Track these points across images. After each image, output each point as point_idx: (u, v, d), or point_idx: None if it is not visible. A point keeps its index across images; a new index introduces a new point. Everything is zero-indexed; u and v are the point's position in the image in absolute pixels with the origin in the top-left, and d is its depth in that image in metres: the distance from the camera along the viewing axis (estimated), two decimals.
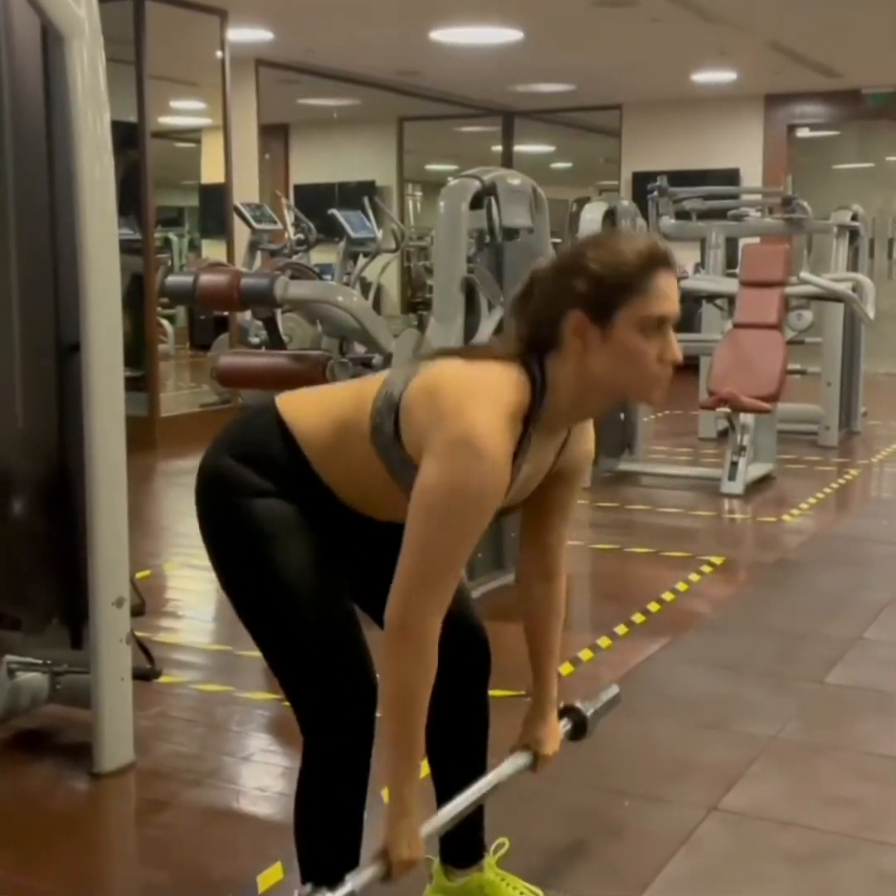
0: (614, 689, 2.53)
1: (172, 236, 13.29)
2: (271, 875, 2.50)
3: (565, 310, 1.82)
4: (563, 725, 2.35)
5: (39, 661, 3.19)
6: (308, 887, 1.86)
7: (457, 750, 2.26)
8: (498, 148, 14.27)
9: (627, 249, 1.82)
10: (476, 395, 1.80)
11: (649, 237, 1.88)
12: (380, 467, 1.91)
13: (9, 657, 3.17)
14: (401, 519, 1.86)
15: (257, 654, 3.96)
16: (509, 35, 9.14)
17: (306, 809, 2.01)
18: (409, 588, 1.80)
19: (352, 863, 2.02)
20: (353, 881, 1.86)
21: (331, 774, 1.99)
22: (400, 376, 1.91)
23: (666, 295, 1.82)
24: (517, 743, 2.27)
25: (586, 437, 2.07)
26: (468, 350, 1.94)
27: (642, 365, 1.83)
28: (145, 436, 7.10)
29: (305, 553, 1.96)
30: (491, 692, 3.33)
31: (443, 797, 2.26)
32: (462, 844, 2.28)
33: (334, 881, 2.00)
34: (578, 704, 2.40)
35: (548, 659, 2.24)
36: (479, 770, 2.27)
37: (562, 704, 2.34)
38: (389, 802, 1.88)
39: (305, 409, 2.01)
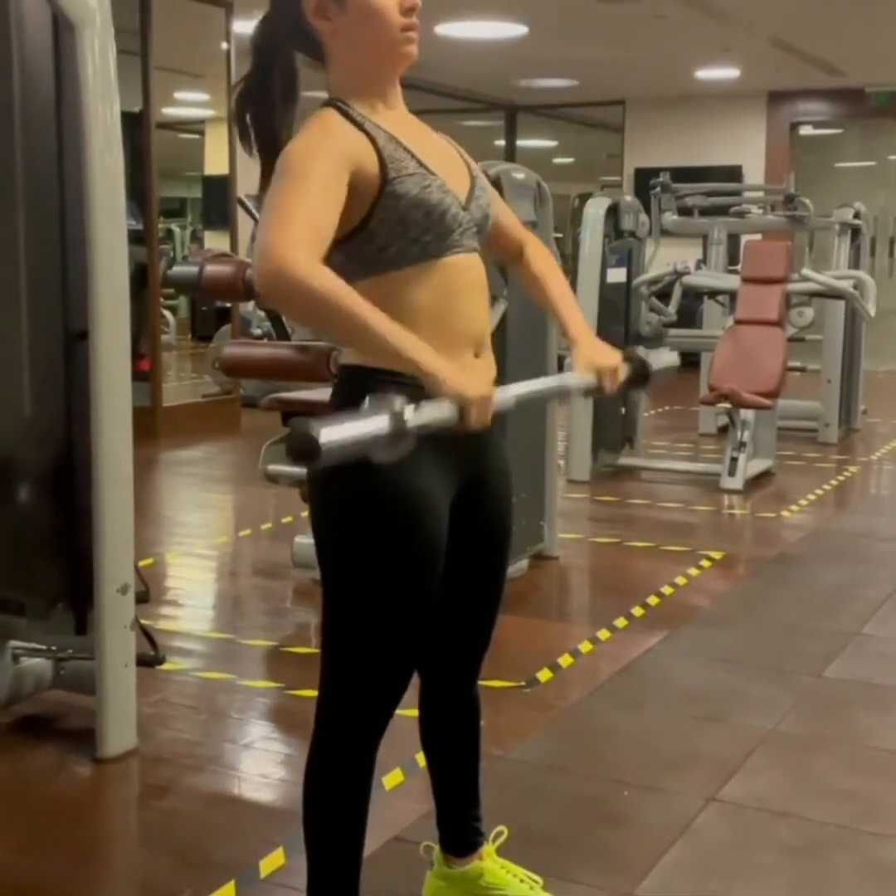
0: (675, 355, 2.32)
1: (174, 227, 13.31)
2: (273, 860, 2.52)
3: (298, 2, 1.86)
4: (624, 368, 2.11)
5: (44, 647, 3.21)
6: (380, 398, 1.62)
7: (450, 743, 2.27)
8: (501, 143, 14.27)
9: None
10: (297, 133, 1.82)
11: None
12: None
13: (13, 643, 3.19)
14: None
15: (259, 642, 4.03)
16: (513, 30, 9.15)
17: (315, 791, 2.01)
18: (267, 234, 1.67)
19: (358, 849, 2.04)
20: (430, 409, 1.68)
21: (339, 764, 2.00)
22: None
23: None
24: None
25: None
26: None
27: (385, 18, 1.85)
28: (148, 426, 7.11)
29: (416, 551, 1.89)
30: (491, 683, 3.37)
31: (440, 791, 2.29)
32: (462, 833, 2.30)
33: (344, 871, 2.02)
34: (639, 353, 2.19)
35: (559, 291, 2.17)
36: (474, 760, 2.28)
37: (624, 351, 2.16)
38: (425, 377, 1.70)
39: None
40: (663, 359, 2.26)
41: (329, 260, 1.73)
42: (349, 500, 1.87)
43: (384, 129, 1.86)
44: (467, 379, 1.72)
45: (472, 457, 1.97)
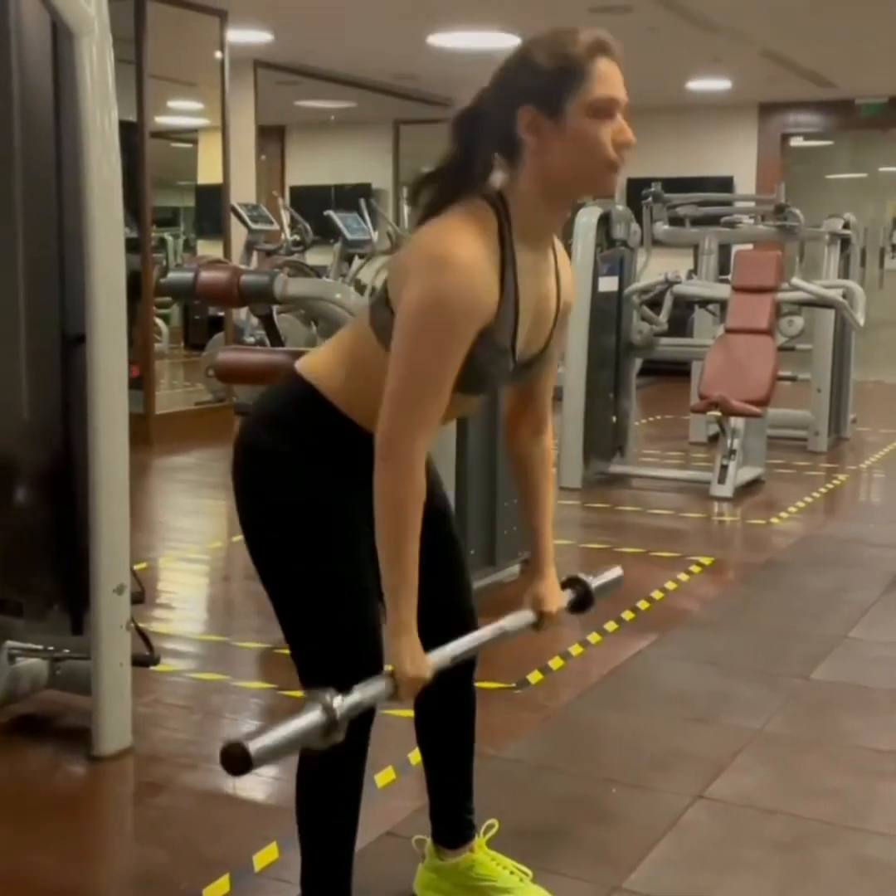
0: (618, 570, 2.44)
1: (167, 236, 13.33)
2: (267, 855, 2.56)
3: (515, 108, 1.85)
4: (567, 595, 2.28)
5: (40, 647, 3.25)
6: (315, 692, 1.77)
7: (446, 738, 2.31)
8: None
9: (570, 39, 1.87)
10: (443, 228, 1.84)
11: (592, 28, 1.92)
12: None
13: (10, 643, 3.23)
14: None
15: (252, 644, 4.06)
16: (506, 40, 9.19)
17: (307, 786, 2.06)
18: (394, 409, 1.81)
19: (350, 841, 2.08)
20: (360, 691, 1.81)
21: (330, 756, 2.03)
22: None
23: (611, 78, 1.87)
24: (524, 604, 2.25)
25: (571, 279, 2.09)
26: (431, 206, 1.91)
27: (598, 150, 1.85)
28: (141, 433, 7.13)
29: (338, 533, 1.99)
30: (482, 684, 3.40)
31: (434, 785, 2.33)
32: (454, 825, 2.34)
33: (336, 864, 2.07)
34: (583, 576, 2.32)
35: (542, 515, 2.25)
36: (467, 757, 2.32)
37: (565, 576, 2.30)
38: (389, 621, 1.88)
39: (317, 354, 2.06)
40: (606, 576, 2.38)
41: (376, 316, 1.89)
42: (263, 493, 2.00)
43: (517, 281, 1.88)
44: (414, 654, 1.87)
45: None
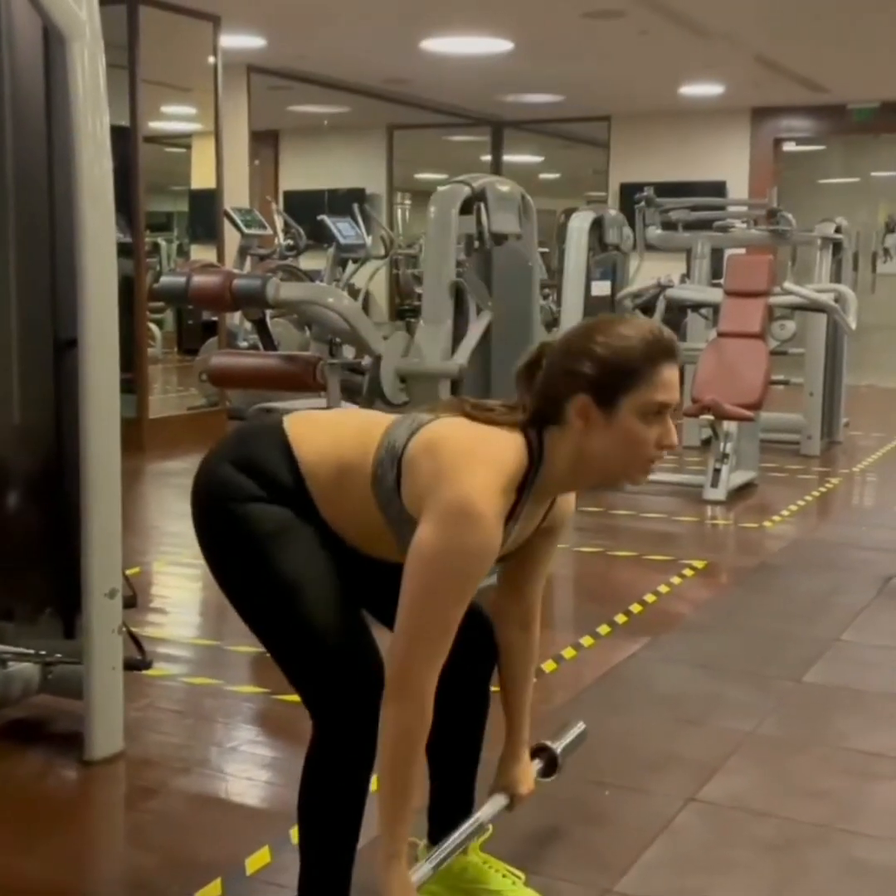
0: (581, 726, 2.62)
1: (161, 241, 13.33)
2: (259, 858, 2.55)
3: (572, 392, 1.89)
4: (535, 764, 2.44)
5: (31, 651, 3.24)
6: None
7: (455, 740, 2.31)
8: (487, 158, 14.36)
9: (635, 336, 1.88)
10: (475, 460, 1.86)
11: (656, 325, 1.95)
12: (378, 515, 1.97)
13: (1, 647, 3.22)
14: (392, 559, 1.95)
15: (244, 648, 4.05)
16: (499, 45, 9.22)
17: (314, 789, 2.05)
18: (406, 648, 1.87)
19: (353, 844, 2.08)
20: None
21: (337, 759, 2.03)
22: (404, 427, 1.97)
23: (670, 385, 1.89)
24: (494, 785, 2.35)
25: (568, 498, 2.15)
26: (474, 409, 1.97)
27: (641, 450, 1.90)
28: (134, 437, 7.14)
29: (303, 548, 2.01)
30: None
31: (437, 786, 2.32)
32: (448, 828, 2.33)
33: (337, 867, 2.06)
34: (548, 743, 2.48)
35: (521, 703, 2.33)
36: (474, 761, 2.33)
37: (533, 745, 2.44)
38: (382, 842, 1.94)
39: (312, 442, 2.04)
40: (568, 736, 2.56)
41: (381, 485, 1.94)
42: (225, 531, 2.07)
43: (517, 522, 1.94)
44: (404, 886, 1.94)
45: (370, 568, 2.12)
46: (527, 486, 1.91)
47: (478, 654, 2.24)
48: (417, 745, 1.89)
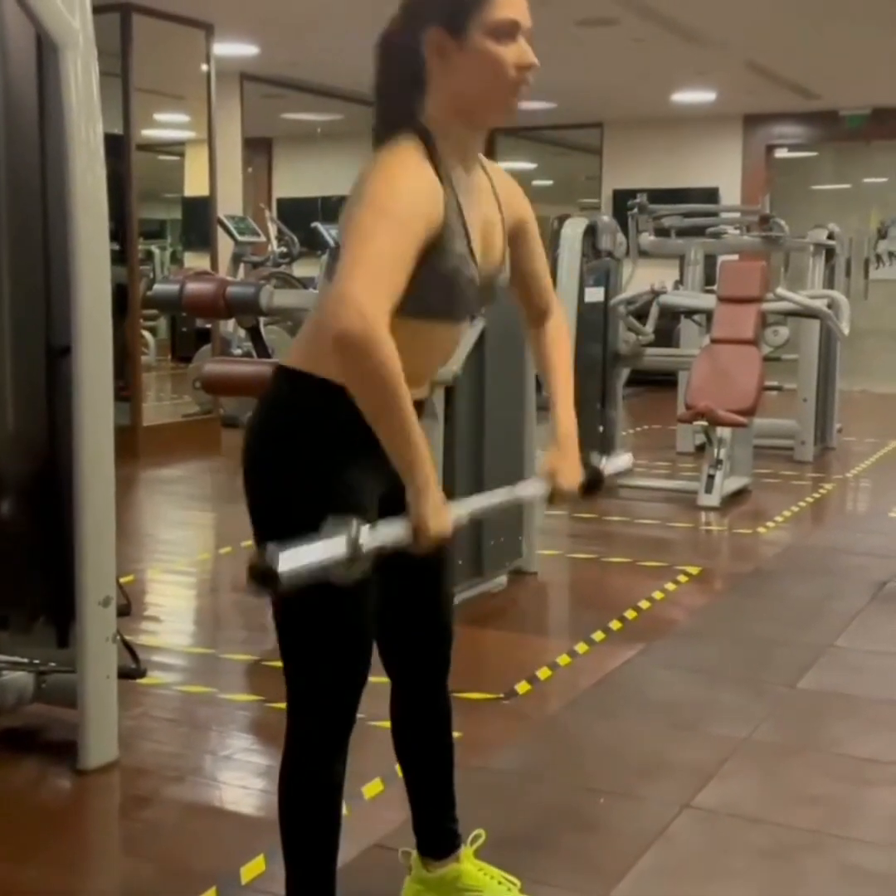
0: (629, 456, 2.45)
1: (154, 248, 13.33)
2: (253, 867, 2.55)
3: (423, 30, 1.89)
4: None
5: (25, 660, 3.23)
6: (339, 520, 1.72)
7: (423, 748, 2.31)
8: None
9: None
10: (383, 154, 1.88)
11: None
12: None
13: None
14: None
15: (239, 656, 4.06)
16: None
17: (288, 795, 2.05)
18: (352, 289, 1.72)
19: (332, 854, 2.08)
20: (384, 530, 1.78)
21: (312, 767, 2.04)
22: None
23: (515, 3, 1.91)
24: (539, 472, 2.20)
25: (517, 193, 2.12)
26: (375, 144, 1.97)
27: (500, 71, 1.89)
28: (128, 445, 7.13)
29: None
30: (470, 695, 3.42)
31: (415, 796, 2.32)
32: (437, 836, 2.34)
33: (319, 875, 2.06)
34: (594, 460, 2.28)
35: (555, 384, 2.24)
36: (447, 764, 2.32)
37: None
38: (410, 490, 1.81)
39: (293, 345, 2.05)
40: (617, 463, 2.35)
41: (332, 266, 1.83)
42: (280, 498, 1.96)
43: (457, 197, 1.90)
44: (437, 507, 1.81)
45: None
46: (435, 154, 1.89)
47: (434, 661, 2.24)
48: (399, 386, 1.74)
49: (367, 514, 1.91)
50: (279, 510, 1.97)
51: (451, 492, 1.97)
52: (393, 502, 1.96)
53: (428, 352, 2.00)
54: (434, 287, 1.88)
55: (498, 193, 2.06)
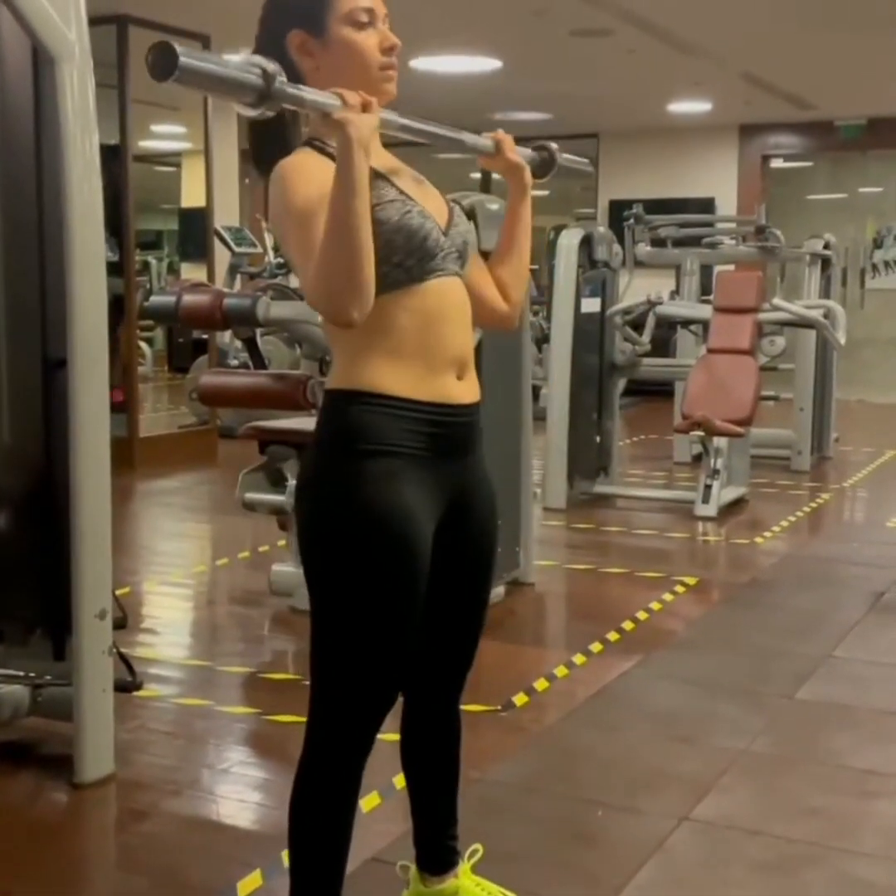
0: (588, 163, 2.45)
1: (151, 259, 13.34)
2: (250, 881, 2.53)
3: (284, 36, 1.95)
4: (530, 153, 2.24)
5: (21, 674, 3.22)
6: (263, 59, 1.74)
7: (431, 764, 2.29)
8: (476, 175, 14.39)
9: None
10: (276, 175, 1.89)
11: None
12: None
13: None
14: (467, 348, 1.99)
15: (236, 668, 4.05)
16: (487, 64, 9.26)
17: (301, 814, 2.03)
18: (308, 282, 1.78)
19: (341, 870, 2.07)
20: (310, 92, 1.79)
21: (329, 783, 2.03)
22: None
23: None
24: None
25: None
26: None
27: (366, 56, 1.96)
28: (124, 456, 7.13)
29: (402, 573, 1.93)
30: (468, 707, 3.39)
31: (418, 811, 2.31)
32: (437, 851, 2.32)
33: (325, 889, 2.05)
34: (549, 144, 2.28)
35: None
36: (453, 780, 2.31)
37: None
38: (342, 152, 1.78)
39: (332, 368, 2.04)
40: (576, 158, 2.35)
41: None
42: (333, 517, 1.92)
43: (378, 167, 1.92)
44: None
45: (456, 479, 2.02)
46: (328, 147, 1.91)
47: (453, 682, 2.23)
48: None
49: (423, 535, 1.93)
50: (333, 552, 1.94)
51: None
52: (452, 523, 1.99)
53: (436, 323, 1.94)
54: (394, 238, 1.88)
55: (424, 180, 2.10)
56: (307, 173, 1.86)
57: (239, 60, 1.72)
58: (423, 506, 1.95)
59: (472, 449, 2.05)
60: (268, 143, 1.98)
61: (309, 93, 1.79)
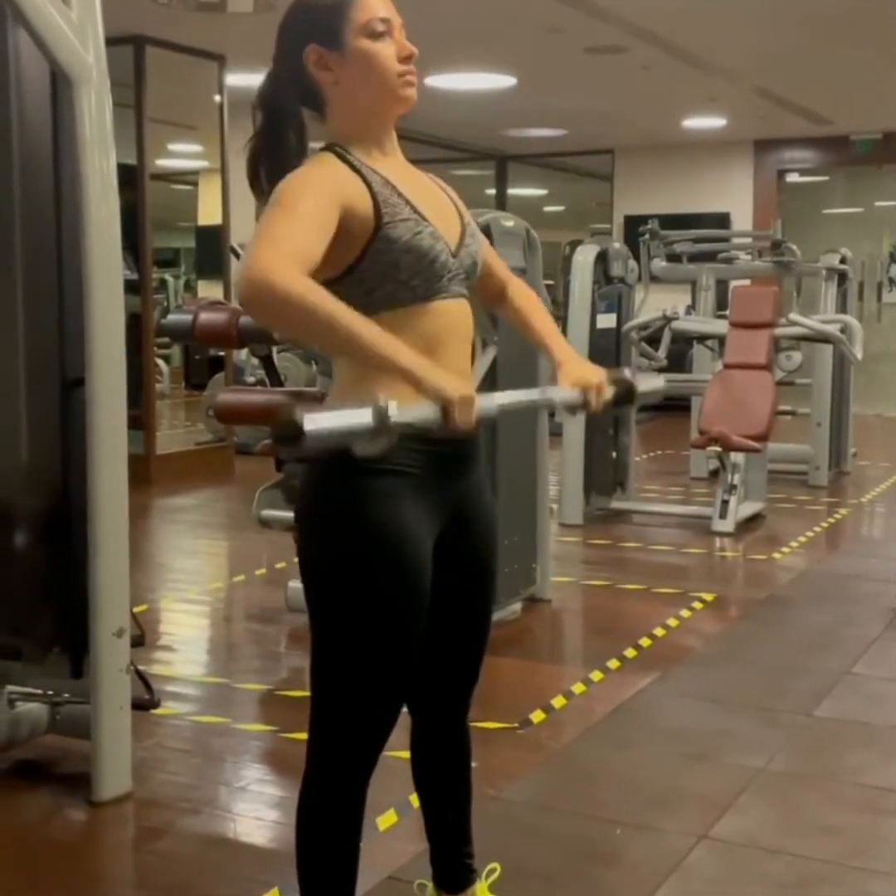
0: (662, 379, 2.36)
1: (168, 277, 13.40)
2: None
3: (301, 53, 1.95)
4: (611, 388, 2.11)
5: (39, 691, 3.23)
6: (370, 396, 1.67)
7: (442, 782, 2.29)
8: (492, 191, 14.43)
9: None
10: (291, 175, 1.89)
11: None
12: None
13: (9, 687, 3.21)
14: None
15: (252, 686, 4.04)
16: (502, 81, 9.29)
17: (306, 831, 2.04)
18: (252, 251, 1.73)
19: (350, 887, 2.07)
20: (414, 411, 1.72)
21: (333, 801, 2.02)
22: None
23: (379, 2, 1.97)
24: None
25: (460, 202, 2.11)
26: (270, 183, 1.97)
27: (385, 65, 1.95)
28: (141, 473, 7.15)
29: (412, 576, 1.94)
30: (485, 725, 3.40)
31: (432, 829, 2.31)
32: (453, 869, 2.32)
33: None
34: (626, 374, 2.17)
35: (547, 327, 2.20)
36: (465, 798, 2.31)
37: (610, 373, 2.15)
38: (407, 375, 1.74)
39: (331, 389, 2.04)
40: (650, 382, 2.27)
41: None
42: (334, 535, 1.92)
43: (380, 173, 1.93)
44: (450, 378, 1.76)
45: (455, 495, 2.02)
46: (352, 157, 1.92)
47: (458, 700, 2.22)
48: (306, 299, 1.69)
49: (423, 552, 1.93)
50: (334, 571, 1.94)
51: None
52: (452, 538, 2.00)
53: (437, 344, 1.93)
54: (403, 257, 1.88)
55: (443, 188, 2.10)
56: (315, 185, 1.84)
57: (352, 408, 1.68)
58: (423, 523, 1.95)
59: (471, 465, 2.06)
60: (266, 164, 1.98)
61: (417, 412, 1.73)
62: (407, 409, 1.70)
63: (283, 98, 2.00)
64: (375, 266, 1.87)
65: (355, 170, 1.90)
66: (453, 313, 1.98)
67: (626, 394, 2.15)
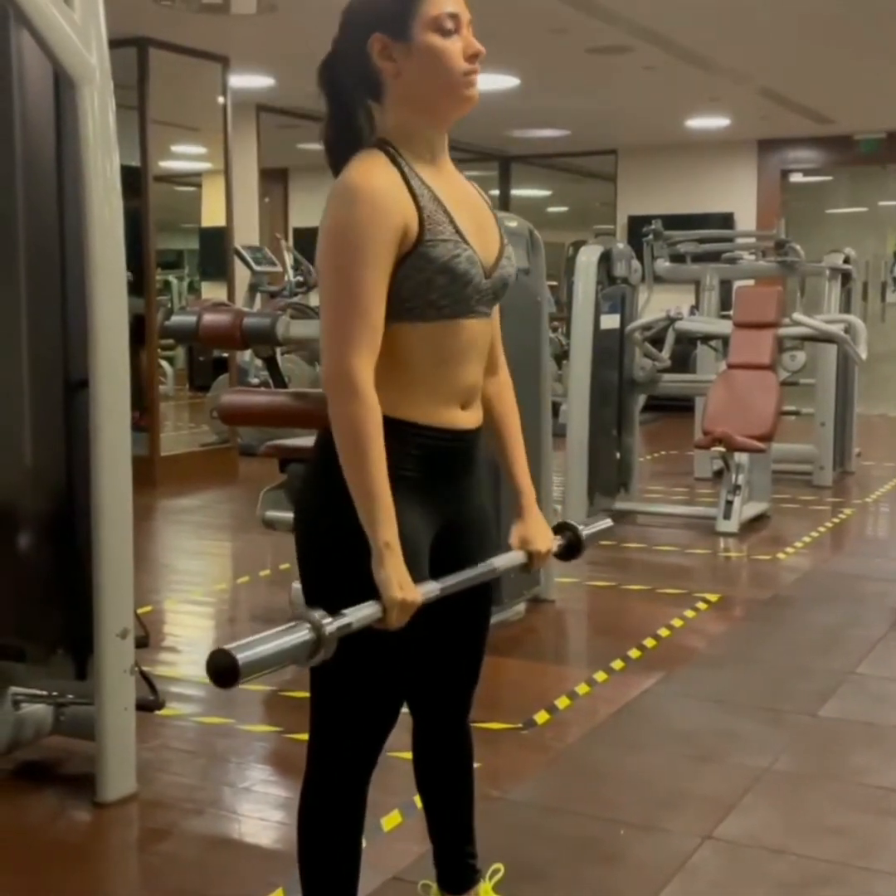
0: (608, 521, 2.41)
1: (172, 279, 13.41)
2: None
3: (366, 41, 1.91)
4: (557, 541, 2.22)
5: (43, 693, 3.24)
6: (305, 611, 1.75)
7: (443, 782, 2.29)
8: (495, 192, 14.43)
9: None
10: (341, 175, 1.91)
11: None
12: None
13: (13, 689, 3.22)
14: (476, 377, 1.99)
15: (257, 687, 4.03)
16: (505, 81, 9.28)
17: (306, 831, 2.05)
18: (331, 342, 1.83)
19: (352, 887, 2.07)
20: (352, 615, 1.77)
21: (333, 802, 2.03)
22: None
23: None
24: (508, 544, 2.17)
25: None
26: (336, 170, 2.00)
27: (450, 62, 1.92)
28: (145, 475, 7.15)
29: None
30: (489, 725, 3.40)
31: (435, 829, 2.31)
32: (458, 870, 2.32)
33: None
34: (573, 522, 2.27)
35: (510, 450, 2.19)
36: (467, 798, 2.31)
37: (556, 522, 2.26)
38: (374, 548, 1.82)
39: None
40: (596, 525, 2.33)
41: None
42: (333, 536, 1.93)
43: (429, 186, 1.91)
44: (403, 578, 1.82)
45: (453, 500, 2.03)
46: (400, 159, 1.91)
47: (458, 702, 2.23)
48: (370, 436, 1.80)
49: (420, 553, 1.93)
50: (332, 567, 1.95)
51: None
52: (448, 542, 2.00)
53: (453, 361, 1.95)
54: (437, 277, 1.87)
55: (486, 200, 2.08)
56: (371, 237, 1.83)
57: (283, 628, 1.71)
58: (421, 526, 1.96)
59: (471, 472, 2.06)
60: (342, 142, 1.98)
61: (354, 618, 1.77)
62: (344, 617, 1.75)
63: (346, 83, 1.97)
64: (409, 281, 1.87)
65: (405, 179, 1.88)
66: (474, 331, 1.99)
67: (572, 544, 2.24)
